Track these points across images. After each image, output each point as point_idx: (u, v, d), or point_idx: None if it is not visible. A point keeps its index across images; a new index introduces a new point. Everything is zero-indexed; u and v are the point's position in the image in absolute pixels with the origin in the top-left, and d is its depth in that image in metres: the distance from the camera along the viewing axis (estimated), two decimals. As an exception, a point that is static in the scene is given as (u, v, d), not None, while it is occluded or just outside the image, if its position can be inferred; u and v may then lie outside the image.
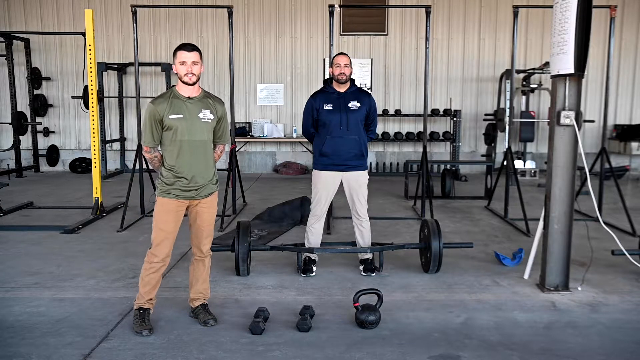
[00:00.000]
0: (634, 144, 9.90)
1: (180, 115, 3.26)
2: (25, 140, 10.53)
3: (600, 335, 3.32)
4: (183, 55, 3.26)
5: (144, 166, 6.44)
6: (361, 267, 4.47)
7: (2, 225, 6.02)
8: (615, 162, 8.18)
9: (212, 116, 3.37)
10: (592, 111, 10.35)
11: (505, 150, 6.70)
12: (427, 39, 6.31)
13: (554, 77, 3.96)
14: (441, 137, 10.23)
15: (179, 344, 3.15)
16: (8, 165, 10.55)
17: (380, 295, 3.50)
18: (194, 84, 3.30)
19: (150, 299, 3.38)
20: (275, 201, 7.09)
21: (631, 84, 10.59)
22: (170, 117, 3.25)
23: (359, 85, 4.58)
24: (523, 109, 10.21)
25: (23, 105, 10.37)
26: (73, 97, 10.39)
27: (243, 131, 10.33)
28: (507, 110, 9.08)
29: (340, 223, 6.20)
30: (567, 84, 3.89)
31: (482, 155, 10.43)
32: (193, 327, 3.38)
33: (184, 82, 3.29)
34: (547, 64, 9.25)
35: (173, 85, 3.48)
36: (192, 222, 3.46)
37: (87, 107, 9.28)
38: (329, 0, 9.21)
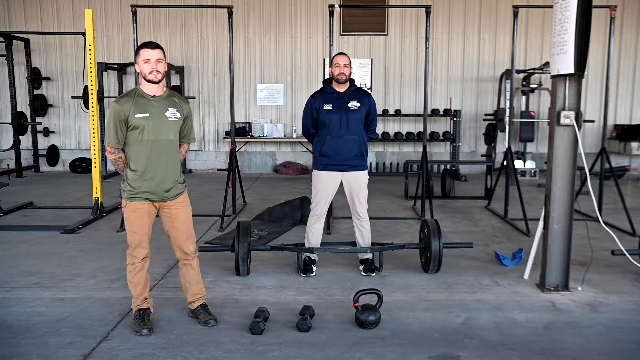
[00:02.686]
0: (634, 144, 9.90)
1: (147, 114, 3.18)
2: (25, 140, 10.53)
3: (600, 335, 3.32)
4: (146, 53, 3.18)
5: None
6: (361, 267, 4.47)
7: (2, 225, 6.02)
8: (615, 162, 8.19)
9: (179, 115, 3.30)
10: (592, 111, 10.35)
11: (505, 150, 6.70)
12: (427, 39, 6.31)
13: (554, 77, 3.96)
14: (441, 137, 10.23)
15: (179, 344, 3.15)
16: (8, 165, 10.54)
17: (380, 295, 3.50)
18: (159, 82, 3.22)
19: (146, 298, 3.37)
20: (275, 201, 7.09)
21: (631, 84, 10.59)
22: (136, 116, 3.16)
23: (358, 85, 4.58)
24: (523, 109, 10.21)
25: (23, 105, 10.37)
26: (73, 97, 10.39)
27: (243, 131, 10.33)
28: (507, 110, 9.08)
29: (340, 223, 6.20)
30: (567, 84, 3.89)
31: (482, 155, 10.43)
32: (193, 327, 3.38)
33: (148, 81, 3.21)
34: (547, 64, 9.24)
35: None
36: (168, 227, 3.39)
37: (87, 107, 9.27)
38: (329, 0, 9.22)
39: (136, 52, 3.24)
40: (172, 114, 3.27)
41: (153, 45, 3.21)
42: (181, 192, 3.39)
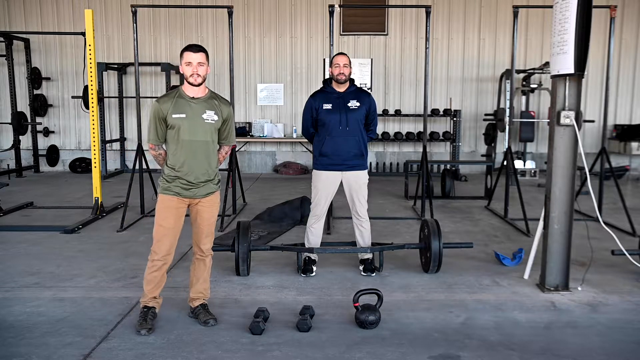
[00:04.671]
0: (634, 144, 9.90)
1: (183, 115, 3.29)
2: (25, 140, 10.53)
3: (600, 335, 3.32)
4: (189, 56, 3.29)
5: (144, 166, 6.44)
6: (361, 267, 4.47)
7: (2, 225, 6.02)
8: (615, 162, 8.19)
9: (216, 117, 3.39)
10: (592, 111, 10.35)
11: (505, 150, 6.70)
12: (427, 39, 6.31)
13: (554, 77, 3.96)
14: (441, 137, 10.23)
15: (179, 344, 3.15)
16: (8, 165, 10.54)
17: (380, 295, 3.50)
18: (199, 84, 3.33)
19: (155, 297, 3.40)
20: (275, 201, 7.09)
21: (631, 84, 10.59)
22: (174, 116, 3.29)
23: (358, 85, 4.58)
24: (523, 109, 10.21)
25: (23, 105, 10.37)
26: (73, 97, 10.39)
27: (243, 131, 10.32)
28: (507, 110, 9.08)
29: (340, 223, 6.20)
30: (567, 84, 3.89)
31: (482, 155, 10.43)
32: (193, 327, 3.38)
33: (189, 83, 3.32)
34: (547, 64, 9.24)
35: (177, 85, 3.49)
36: (192, 221, 3.49)
37: (87, 107, 9.28)
38: (329, 0, 9.22)
39: (180, 54, 3.34)
40: (210, 116, 3.36)
41: (196, 49, 3.31)
42: (212, 191, 3.46)
